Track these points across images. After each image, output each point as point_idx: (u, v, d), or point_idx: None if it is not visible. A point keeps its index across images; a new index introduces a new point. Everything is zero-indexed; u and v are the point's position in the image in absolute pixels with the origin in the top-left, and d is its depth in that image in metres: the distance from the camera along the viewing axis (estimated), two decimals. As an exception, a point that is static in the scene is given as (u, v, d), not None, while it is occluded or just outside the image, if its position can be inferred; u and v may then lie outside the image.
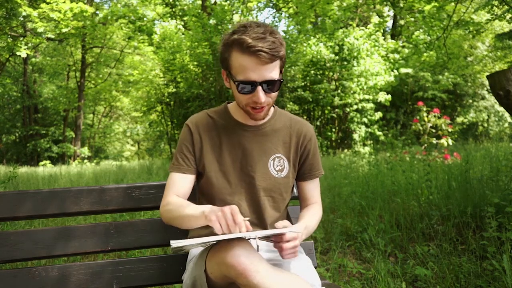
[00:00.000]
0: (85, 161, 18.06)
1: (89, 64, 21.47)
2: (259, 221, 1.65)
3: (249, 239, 1.43)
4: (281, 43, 1.47)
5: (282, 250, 1.43)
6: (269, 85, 1.49)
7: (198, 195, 1.72)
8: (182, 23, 17.75)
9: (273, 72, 1.48)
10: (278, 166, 1.67)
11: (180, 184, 1.63)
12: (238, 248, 1.33)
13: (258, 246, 1.61)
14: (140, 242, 1.81)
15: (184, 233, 1.84)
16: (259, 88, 1.47)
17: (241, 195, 1.64)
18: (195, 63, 12.65)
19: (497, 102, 3.04)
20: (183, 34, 13.96)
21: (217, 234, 1.33)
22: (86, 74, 21.78)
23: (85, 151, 20.33)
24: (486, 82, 17.39)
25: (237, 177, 1.63)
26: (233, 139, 1.65)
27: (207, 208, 1.39)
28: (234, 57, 1.47)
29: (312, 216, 1.70)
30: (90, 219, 4.64)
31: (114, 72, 22.93)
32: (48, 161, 18.04)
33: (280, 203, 1.69)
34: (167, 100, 13.95)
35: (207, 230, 1.62)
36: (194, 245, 1.38)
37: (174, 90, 13.28)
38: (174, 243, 1.27)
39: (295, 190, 1.91)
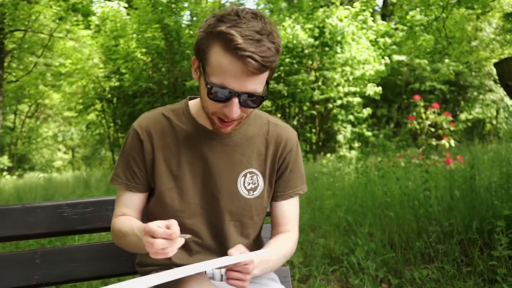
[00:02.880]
0: (4, 173, 17.65)
1: (9, 51, 20.99)
2: (220, 249, 1.63)
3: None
4: (277, 51, 1.41)
5: (227, 273, 1.42)
6: (249, 98, 1.43)
7: (148, 217, 1.69)
8: (126, 1, 17.59)
9: (257, 84, 1.42)
10: (250, 184, 1.64)
11: (128, 202, 1.63)
12: (193, 283, 1.35)
13: (222, 275, 1.60)
14: (74, 274, 1.78)
15: (132, 260, 1.82)
16: (235, 100, 1.42)
17: (201, 219, 1.61)
18: (143, 50, 12.57)
19: (507, 95, 3.13)
20: (128, 14, 13.84)
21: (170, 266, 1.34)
22: (6, 64, 21.27)
23: (5, 160, 19.90)
24: (494, 71, 17.83)
25: (198, 197, 1.61)
26: (194, 148, 1.60)
27: (147, 226, 1.35)
28: (214, 53, 1.40)
29: (278, 248, 1.64)
30: (10, 247, 4.54)
31: (41, 62, 22.49)
32: (-44, 174, 17.56)
33: (249, 228, 1.67)
34: (109, 96, 13.79)
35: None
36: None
37: (117, 83, 13.15)
38: None
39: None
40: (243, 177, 1.63)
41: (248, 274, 1.41)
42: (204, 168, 1.60)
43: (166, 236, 1.28)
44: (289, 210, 1.72)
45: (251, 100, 1.44)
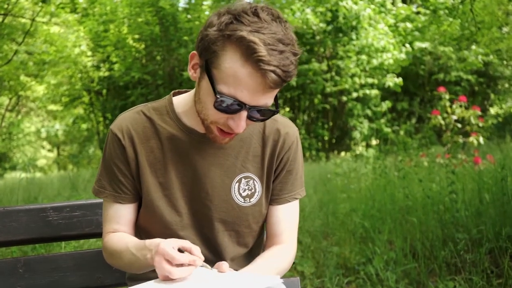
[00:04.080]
0: (-17, 173, 17.73)
1: (-13, 38, 21.10)
2: (217, 260, 1.60)
3: None
4: (296, 64, 1.40)
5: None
6: (259, 112, 1.43)
7: (138, 229, 1.70)
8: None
9: (270, 98, 1.42)
10: (246, 191, 1.63)
11: (118, 216, 1.63)
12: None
13: None
14: (60, 285, 1.78)
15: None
16: (244, 114, 1.41)
17: (193, 229, 1.62)
18: (136, 36, 12.59)
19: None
20: (118, -4, 13.87)
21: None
22: (-17, 52, 21.39)
23: (-17, 159, 20.00)
24: (528, 60, 17.76)
25: (187, 206, 1.61)
26: (181, 152, 1.59)
27: (151, 244, 1.40)
28: (230, 59, 1.36)
29: (266, 264, 1.59)
30: (-10, 254, 4.56)
31: (22, 49, 22.53)
32: None
33: (247, 237, 1.68)
34: (98, 87, 13.82)
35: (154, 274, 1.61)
36: None
37: (107, 73, 13.18)
38: None
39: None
40: (238, 183, 1.62)
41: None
42: (194, 175, 1.59)
43: (189, 262, 1.34)
44: (285, 217, 1.69)
45: (260, 114, 1.44)
